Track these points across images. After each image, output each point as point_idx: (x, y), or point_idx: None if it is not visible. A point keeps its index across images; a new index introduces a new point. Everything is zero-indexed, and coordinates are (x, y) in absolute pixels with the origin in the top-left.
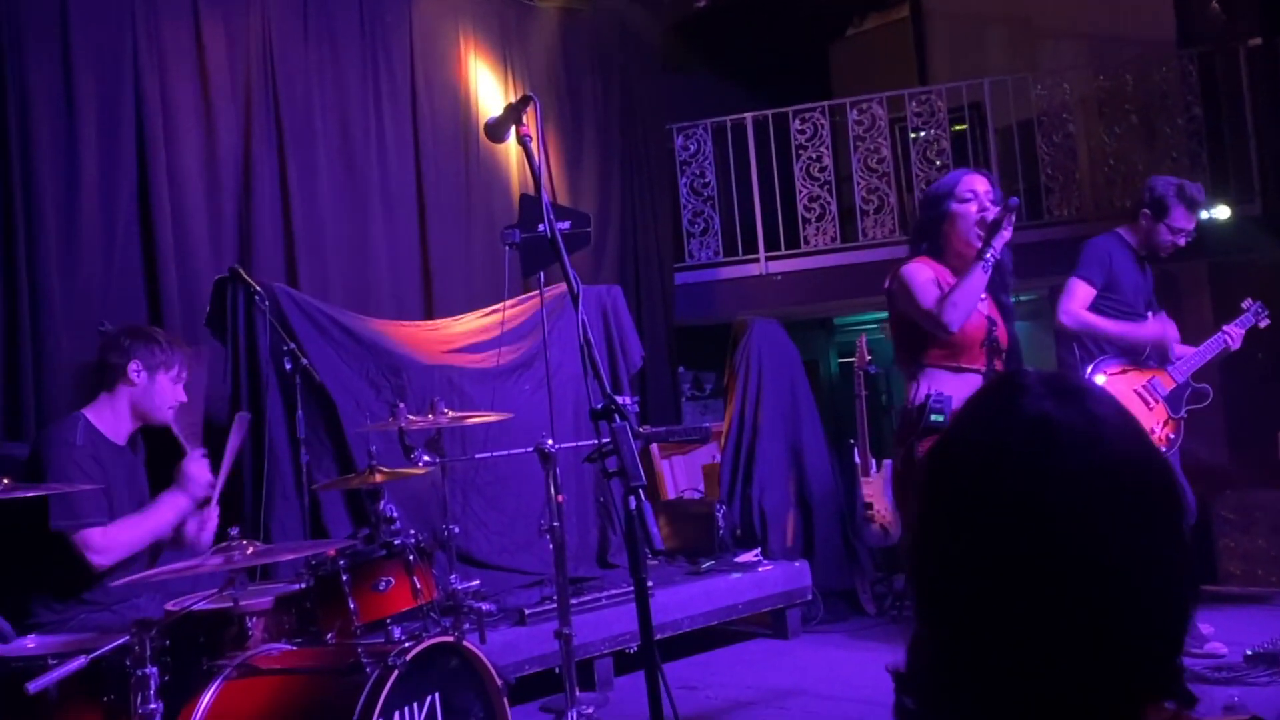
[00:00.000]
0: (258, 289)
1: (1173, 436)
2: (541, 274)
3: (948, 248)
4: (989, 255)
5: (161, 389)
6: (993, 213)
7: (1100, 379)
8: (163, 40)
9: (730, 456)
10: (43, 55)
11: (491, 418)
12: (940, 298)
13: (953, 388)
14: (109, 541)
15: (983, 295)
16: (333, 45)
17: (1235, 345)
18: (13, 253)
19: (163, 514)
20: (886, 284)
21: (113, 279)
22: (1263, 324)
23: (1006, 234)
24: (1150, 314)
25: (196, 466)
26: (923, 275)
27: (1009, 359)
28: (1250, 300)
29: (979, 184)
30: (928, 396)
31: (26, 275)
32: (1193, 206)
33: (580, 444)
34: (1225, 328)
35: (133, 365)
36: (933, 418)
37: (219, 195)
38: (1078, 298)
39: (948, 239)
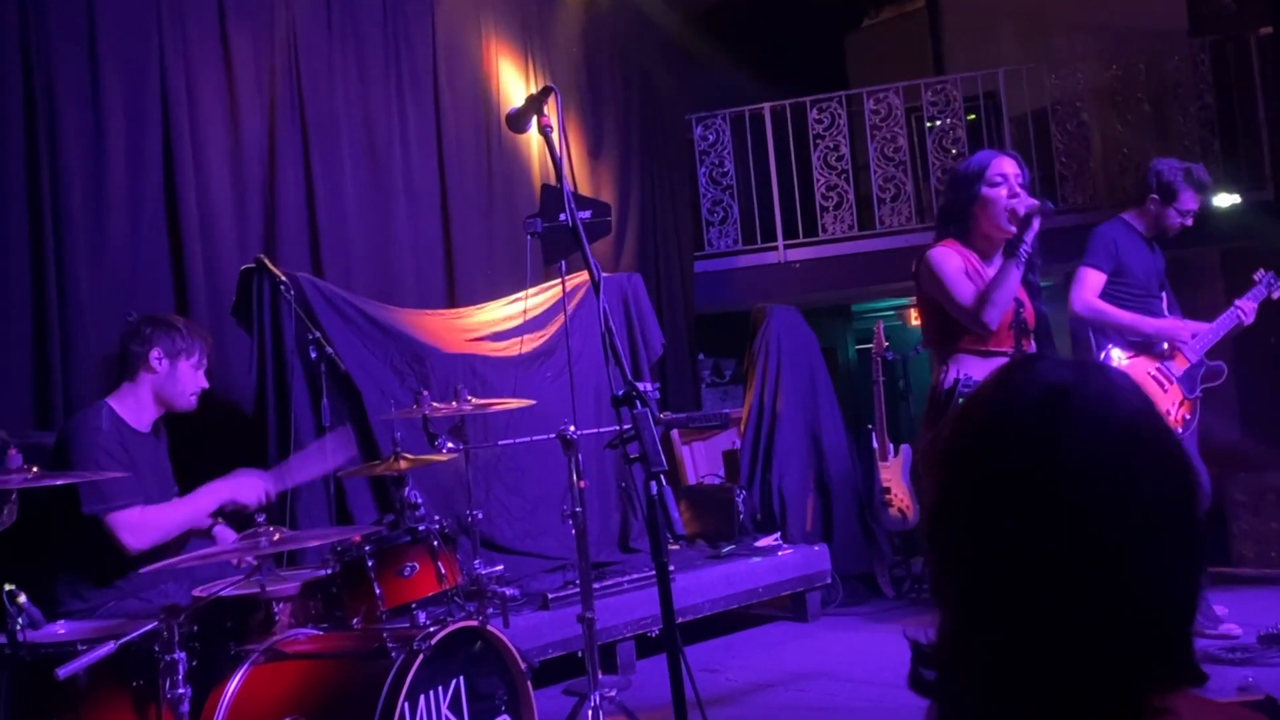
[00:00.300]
0: (283, 279)
1: (1188, 417)
2: (563, 263)
3: (975, 230)
4: (1023, 252)
5: (183, 376)
6: (1023, 197)
7: (1114, 360)
8: (188, 34)
9: (750, 442)
10: (70, 50)
11: (514, 405)
12: (979, 296)
13: (981, 372)
14: (146, 522)
15: None
16: (356, 37)
17: (1249, 320)
18: (41, 245)
19: (202, 502)
20: (914, 267)
21: (139, 270)
22: (1276, 295)
23: (1035, 226)
24: (1164, 294)
25: (255, 479)
26: (953, 264)
27: (1038, 337)
28: (1262, 271)
29: (1009, 167)
30: (956, 381)
31: (54, 267)
32: (1201, 189)
33: (602, 430)
34: (1237, 301)
35: (154, 353)
36: (960, 402)
37: (244, 187)
38: (1089, 285)
39: (976, 222)
